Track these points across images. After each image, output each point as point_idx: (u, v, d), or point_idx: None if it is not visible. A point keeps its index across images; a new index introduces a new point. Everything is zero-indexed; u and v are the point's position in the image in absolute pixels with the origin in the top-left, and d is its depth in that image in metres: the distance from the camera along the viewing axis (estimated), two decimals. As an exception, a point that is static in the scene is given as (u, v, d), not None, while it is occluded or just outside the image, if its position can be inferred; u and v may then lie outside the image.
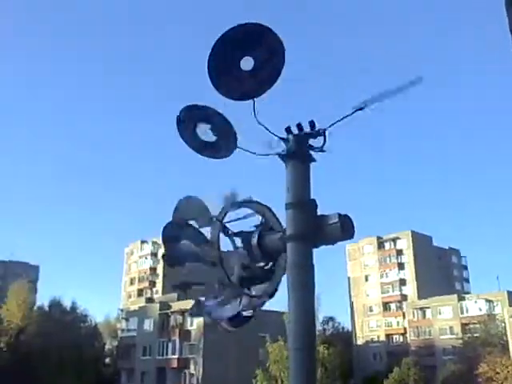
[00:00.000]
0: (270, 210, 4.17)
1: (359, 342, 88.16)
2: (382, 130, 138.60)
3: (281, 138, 3.99)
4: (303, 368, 3.64)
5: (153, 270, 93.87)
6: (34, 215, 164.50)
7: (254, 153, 4.14)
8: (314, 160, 4.05)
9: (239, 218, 4.33)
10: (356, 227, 3.89)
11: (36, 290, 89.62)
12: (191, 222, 4.43)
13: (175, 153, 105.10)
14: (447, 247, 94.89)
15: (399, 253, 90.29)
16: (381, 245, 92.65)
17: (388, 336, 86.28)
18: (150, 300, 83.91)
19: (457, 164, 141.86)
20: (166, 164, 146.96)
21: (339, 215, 3.84)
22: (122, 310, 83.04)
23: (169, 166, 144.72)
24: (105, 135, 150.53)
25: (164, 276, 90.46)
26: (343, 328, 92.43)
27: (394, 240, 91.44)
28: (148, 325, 70.09)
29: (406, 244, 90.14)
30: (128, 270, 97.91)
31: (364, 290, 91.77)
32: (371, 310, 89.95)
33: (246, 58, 3.98)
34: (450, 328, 75.15)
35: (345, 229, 3.80)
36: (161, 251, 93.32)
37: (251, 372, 54.52)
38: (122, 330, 76.76)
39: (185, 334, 66.44)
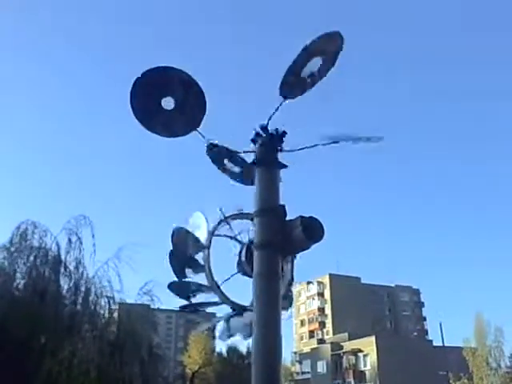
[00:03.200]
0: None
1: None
2: None
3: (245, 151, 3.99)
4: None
5: (321, 310, 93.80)
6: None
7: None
8: (284, 166, 3.89)
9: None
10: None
11: (214, 337, 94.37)
12: (188, 252, 4.36)
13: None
14: None
15: None
16: None
17: None
18: (321, 341, 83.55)
19: None
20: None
21: (301, 218, 3.56)
22: (295, 353, 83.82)
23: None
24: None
25: (333, 316, 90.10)
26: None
27: None
28: (321, 367, 69.66)
29: None
30: (297, 312, 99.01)
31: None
32: None
33: (167, 99, 4.00)
34: None
35: (309, 232, 3.50)
36: (327, 291, 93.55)
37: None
38: (297, 373, 77.28)
39: (359, 375, 64.77)
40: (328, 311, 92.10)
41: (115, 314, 19.36)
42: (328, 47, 3.90)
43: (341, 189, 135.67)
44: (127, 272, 18.30)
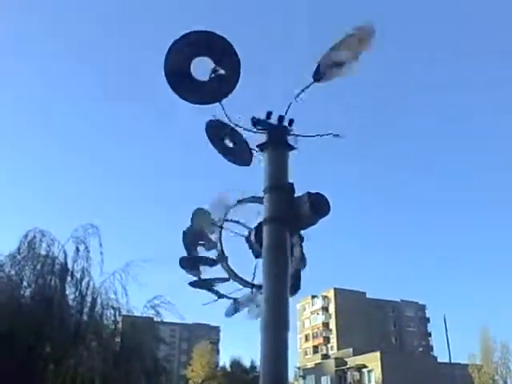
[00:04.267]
0: None
1: None
2: None
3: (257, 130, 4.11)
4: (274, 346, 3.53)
5: (325, 325, 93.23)
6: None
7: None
8: (293, 148, 4.05)
9: None
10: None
11: (218, 351, 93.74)
12: (204, 231, 4.60)
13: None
14: None
15: None
16: None
17: None
18: (325, 356, 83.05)
19: None
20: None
21: (309, 194, 3.73)
22: (299, 368, 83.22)
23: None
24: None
25: (337, 331, 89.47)
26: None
27: None
28: (325, 382, 69.15)
29: None
30: (302, 327, 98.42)
31: None
32: None
33: (200, 62, 4.12)
34: None
35: (316, 207, 3.65)
36: (331, 305, 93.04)
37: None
38: (301, 389, 76.64)
39: (364, 391, 64.36)
40: (332, 326, 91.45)
41: (120, 325, 19.36)
42: (361, 39, 4.11)
43: (347, 204, 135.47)
44: (134, 286, 18.29)
